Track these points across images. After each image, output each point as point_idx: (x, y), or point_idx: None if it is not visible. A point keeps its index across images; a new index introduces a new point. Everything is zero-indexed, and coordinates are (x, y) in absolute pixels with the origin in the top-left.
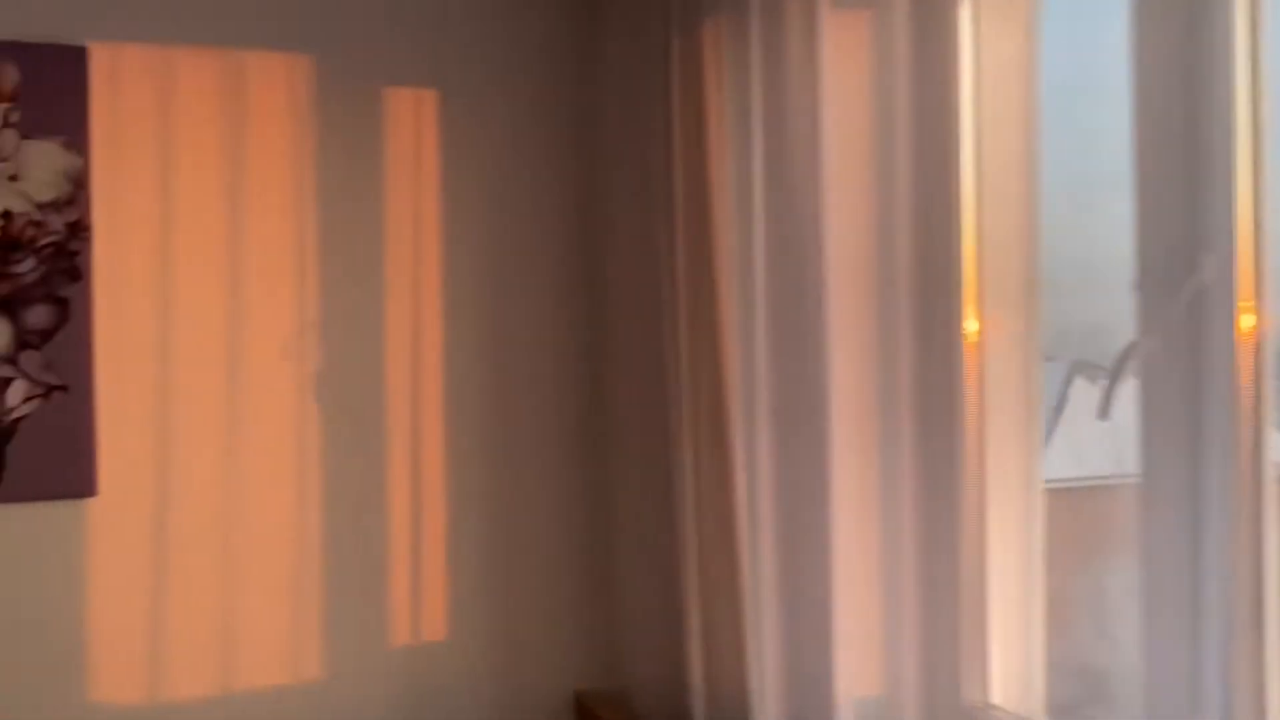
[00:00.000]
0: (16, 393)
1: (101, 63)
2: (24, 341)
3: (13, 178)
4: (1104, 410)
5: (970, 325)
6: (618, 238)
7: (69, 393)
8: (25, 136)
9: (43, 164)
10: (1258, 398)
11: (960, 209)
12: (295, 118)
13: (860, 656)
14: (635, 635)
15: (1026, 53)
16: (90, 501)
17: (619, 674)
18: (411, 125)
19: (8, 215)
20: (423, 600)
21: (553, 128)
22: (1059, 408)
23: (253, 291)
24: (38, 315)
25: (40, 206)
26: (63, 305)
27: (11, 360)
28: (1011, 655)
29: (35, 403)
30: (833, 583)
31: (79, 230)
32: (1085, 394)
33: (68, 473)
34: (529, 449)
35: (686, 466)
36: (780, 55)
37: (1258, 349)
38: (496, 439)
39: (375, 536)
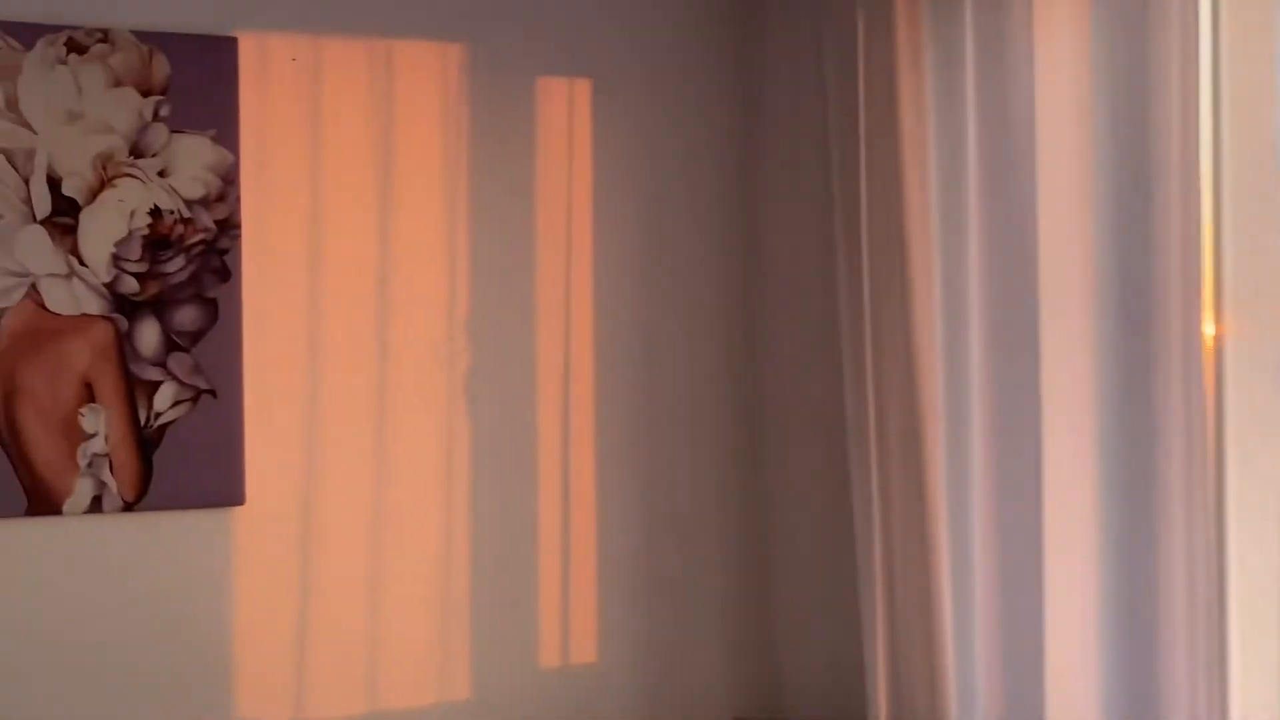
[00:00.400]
0: (165, 397)
1: (250, 54)
2: (173, 343)
3: (161, 173)
4: None
5: (1208, 328)
6: (779, 235)
7: (217, 397)
8: (175, 130)
9: (192, 159)
10: None
11: (1199, 204)
12: (446, 109)
13: (1077, 687)
14: (798, 661)
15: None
16: (237, 510)
17: (778, 702)
18: (564, 116)
19: (156, 212)
20: (573, 619)
21: (710, 119)
22: None
23: (402, 290)
24: (186, 316)
25: (189, 203)
26: (211, 306)
27: (160, 363)
28: (1254, 678)
29: (183, 407)
30: (1046, 605)
31: (228, 228)
32: None
33: (215, 480)
34: (683, 459)
35: (871, 481)
36: (999, 39)
37: None
38: (649, 448)
39: (525, 549)
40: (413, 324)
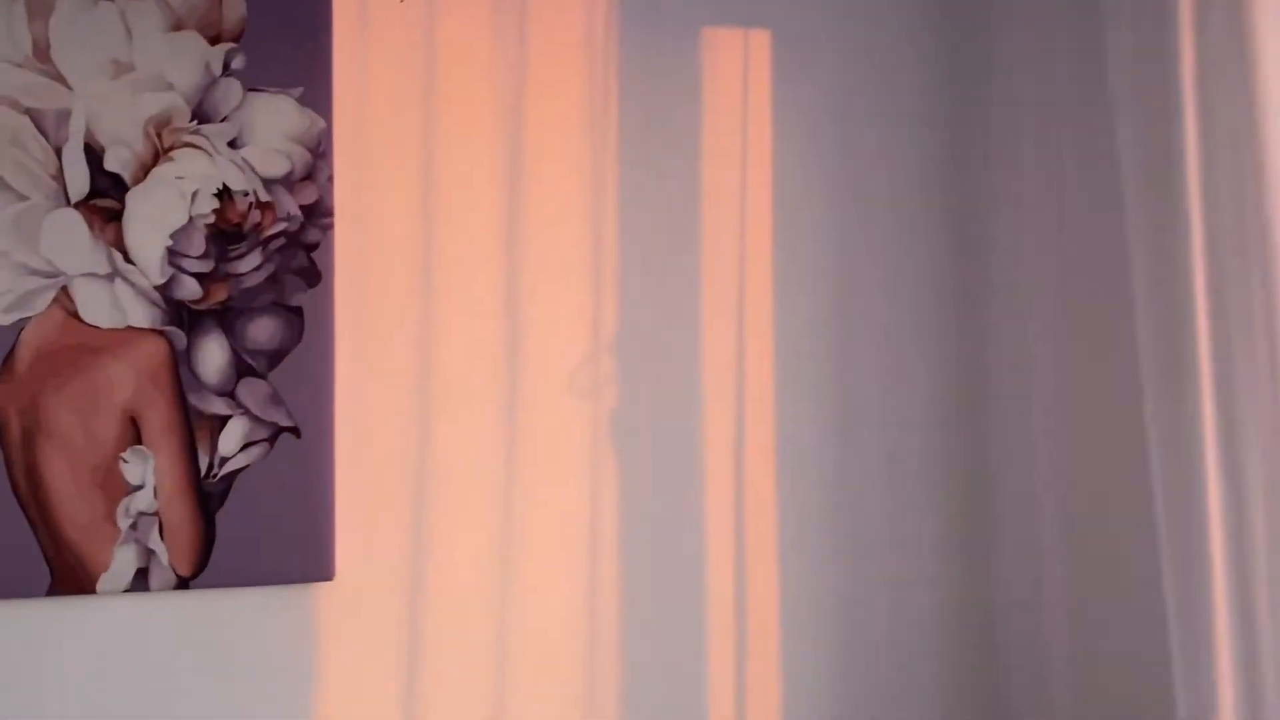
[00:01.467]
0: (233, 436)
1: None
2: (245, 366)
3: (233, 143)
4: None
5: None
6: (1006, 226)
7: (301, 437)
8: (250, 88)
9: (271, 125)
10: None
11: None
12: (590, 68)
13: None
14: None
15: None
16: (324, 587)
17: None
18: (736, 77)
19: (225, 194)
20: (750, 712)
21: (919, 84)
22: None
23: (535, 301)
24: (262, 330)
25: (268, 183)
26: (295, 317)
27: (228, 392)
28: None
29: (257, 450)
30: None
31: (317, 215)
32: None
33: (297, 547)
34: (890, 523)
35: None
36: None
37: None
38: (846, 510)
39: (690, 635)
40: (548, 342)
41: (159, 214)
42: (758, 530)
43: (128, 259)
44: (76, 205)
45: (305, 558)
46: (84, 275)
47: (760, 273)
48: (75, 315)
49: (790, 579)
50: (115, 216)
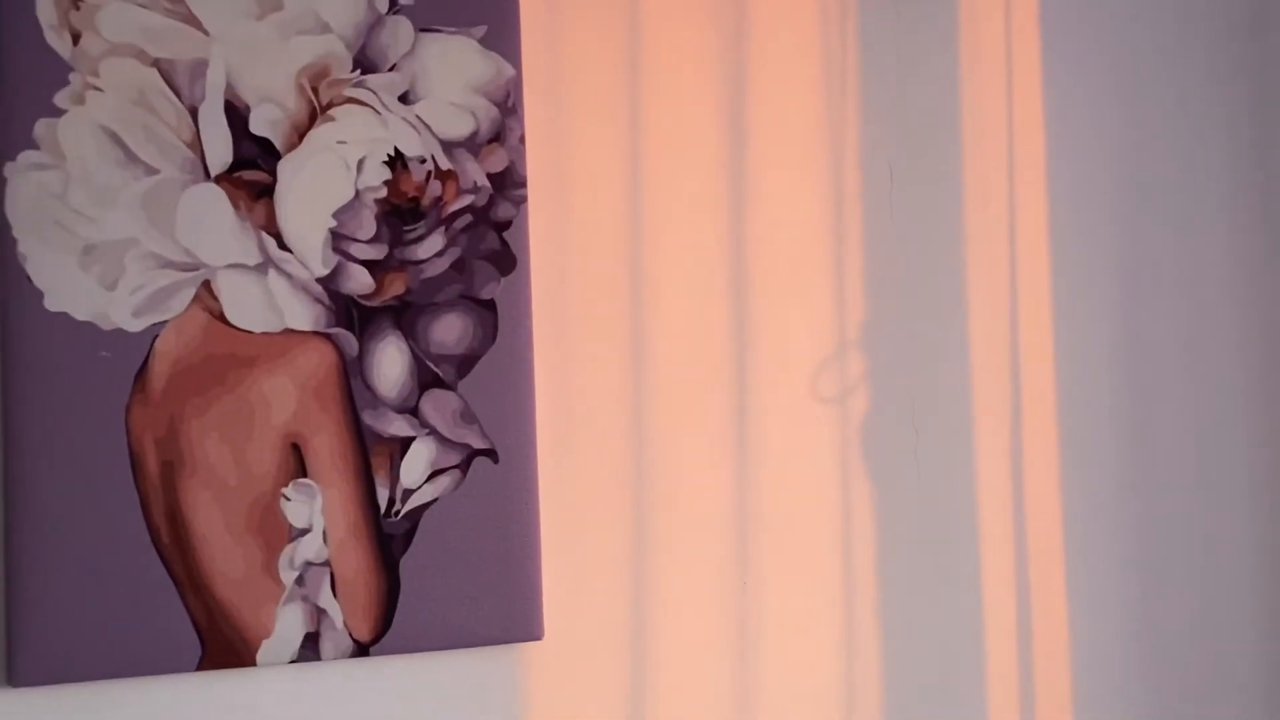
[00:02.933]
0: (418, 462)
1: None
2: (429, 375)
3: (404, 97)
4: None
5: None
6: None
7: (498, 462)
8: (423, 29)
9: (450, 75)
10: None
11: None
12: (825, 16)
13: None
14: None
15: None
16: (530, 648)
17: None
18: (1000, 20)
19: (398, 160)
20: None
21: (1220, 30)
22: None
23: (767, 292)
24: (449, 331)
25: (448, 146)
26: (487, 313)
27: (410, 408)
28: None
29: (447, 480)
30: None
31: (509, 186)
32: None
33: (498, 602)
34: (1194, 528)
35: None
36: None
37: None
38: (1143, 518)
39: (969, 678)
40: (784, 340)
41: (318, 188)
42: (1041, 547)
43: (282, 245)
44: (218, 179)
45: (509, 613)
46: (230, 267)
47: (1035, 255)
48: (221, 317)
49: (1079, 600)
50: (265, 192)
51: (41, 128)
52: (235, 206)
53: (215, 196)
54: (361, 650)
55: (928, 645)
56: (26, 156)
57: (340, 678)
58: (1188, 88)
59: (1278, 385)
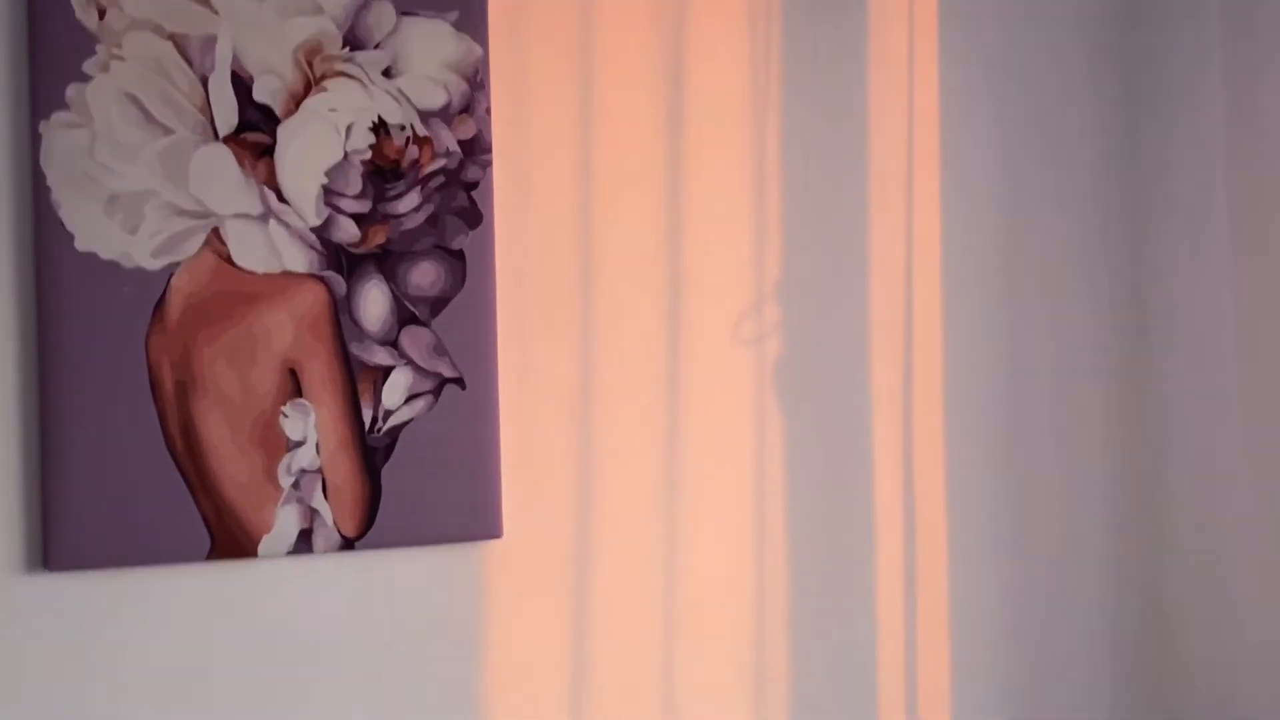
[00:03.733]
0: (397, 388)
1: None
2: (407, 314)
3: (387, 72)
4: None
5: None
6: (1180, 180)
7: (466, 388)
8: (404, 12)
9: (428, 52)
10: None
11: None
12: (754, 13)
13: None
14: None
15: None
16: (492, 545)
17: None
18: (904, 28)
19: (381, 128)
20: (921, 698)
21: (1094, 28)
22: None
23: (698, 245)
24: (424, 275)
25: (425, 115)
26: (456, 261)
27: (390, 341)
28: None
29: (421, 403)
30: None
31: (477, 152)
32: None
33: (464, 505)
34: (1057, 472)
35: None
36: None
37: None
38: (1013, 459)
39: (859, 584)
40: (712, 288)
41: (312, 149)
42: (925, 479)
43: (281, 198)
44: (225, 140)
45: (473, 515)
46: (236, 216)
47: (928, 220)
48: (228, 260)
49: (958, 528)
50: (267, 152)
51: (72, 91)
52: (240, 164)
53: (223, 155)
54: (348, 545)
55: (824, 542)
56: (59, 116)
57: (330, 568)
58: (1063, 93)
59: (1133, 367)
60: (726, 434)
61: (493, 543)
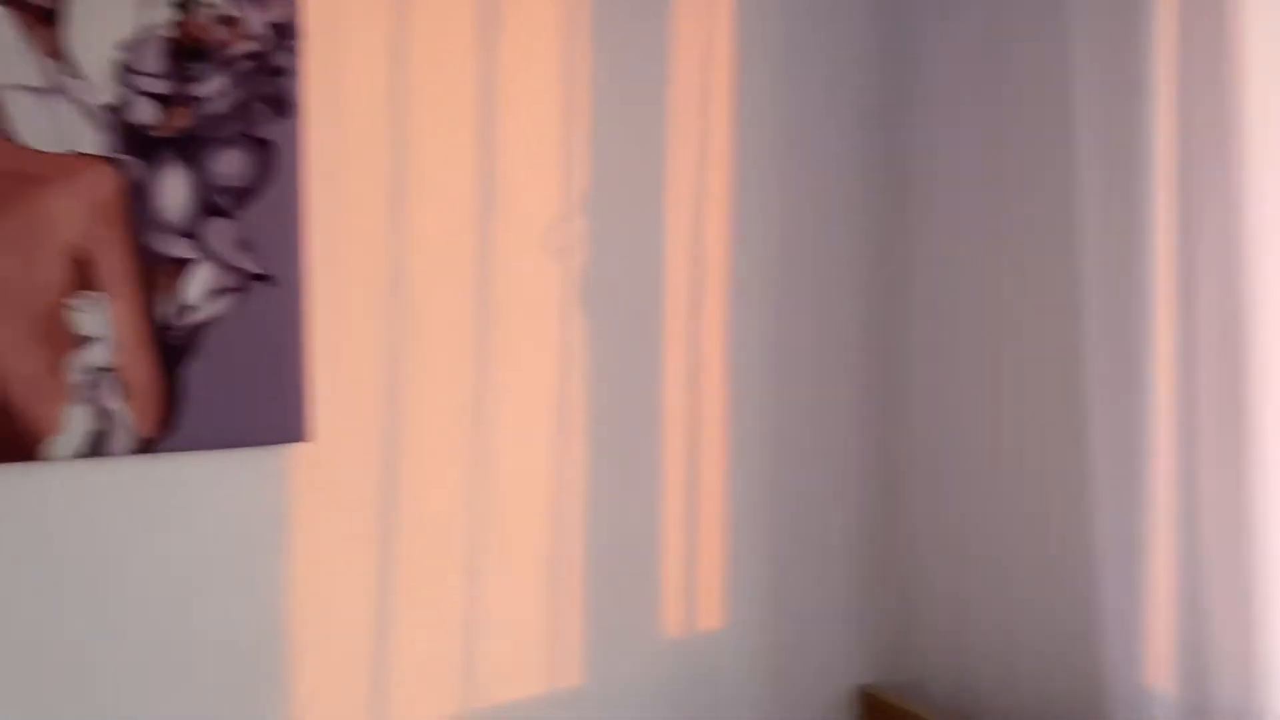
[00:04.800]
0: (199, 283)
1: None
2: (210, 205)
3: None
4: None
5: None
6: (941, 148)
7: (274, 286)
8: None
9: None
10: None
11: None
12: None
13: None
14: (932, 627)
15: None
16: (300, 449)
17: (910, 669)
18: None
19: (188, 3)
20: (699, 584)
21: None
22: None
23: (510, 156)
24: (230, 164)
25: None
26: (264, 151)
27: (191, 232)
28: None
29: (226, 300)
30: None
31: (287, 36)
32: None
33: (270, 407)
34: (815, 388)
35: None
36: None
37: None
38: (781, 379)
39: (647, 500)
40: (523, 199)
41: (107, 19)
42: (709, 378)
43: (70, 72)
44: (4, 2)
45: (280, 418)
46: (17, 87)
47: (720, 140)
48: (7, 136)
49: (735, 422)
50: (49, 18)
51: None
52: (20, 28)
53: (1, 18)
54: (147, 448)
55: (618, 440)
56: None
57: (127, 473)
58: (847, 25)
59: (878, 298)
60: (533, 337)
61: (302, 446)
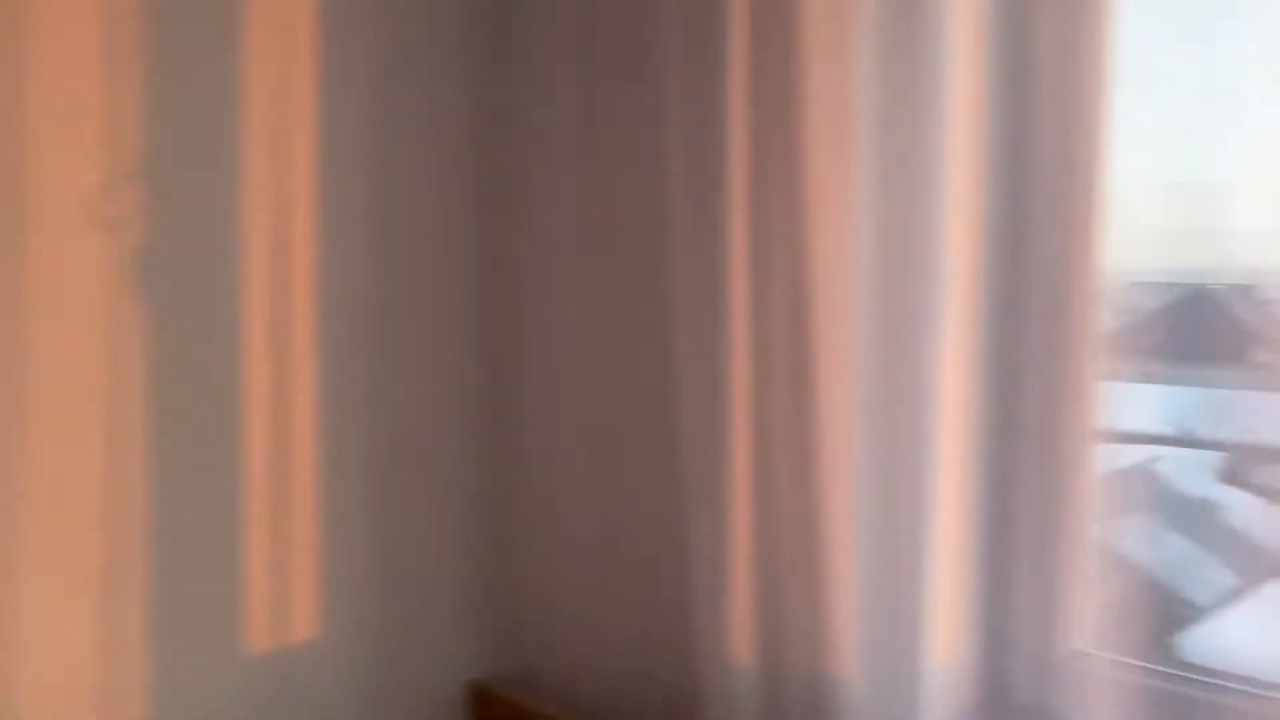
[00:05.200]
0: None
1: None
2: None
3: None
4: None
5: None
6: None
7: None
8: None
9: None
10: None
11: None
12: None
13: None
14: (542, 618)
15: None
16: None
17: (521, 660)
18: None
19: None
20: (290, 590)
21: None
22: None
23: (43, 115)
24: None
25: None
26: None
27: None
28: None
29: None
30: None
31: None
32: None
33: None
34: (417, 397)
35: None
36: None
37: None
38: (382, 377)
39: (223, 502)
40: (61, 163)
41: None
42: (297, 369)
43: None
44: None
45: None
46: None
47: (300, 114)
48: None
49: (330, 412)
50: None
51: None
52: None
53: None
54: None
55: (188, 441)
56: None
57: None
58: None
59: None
60: (78, 327)
61: None
